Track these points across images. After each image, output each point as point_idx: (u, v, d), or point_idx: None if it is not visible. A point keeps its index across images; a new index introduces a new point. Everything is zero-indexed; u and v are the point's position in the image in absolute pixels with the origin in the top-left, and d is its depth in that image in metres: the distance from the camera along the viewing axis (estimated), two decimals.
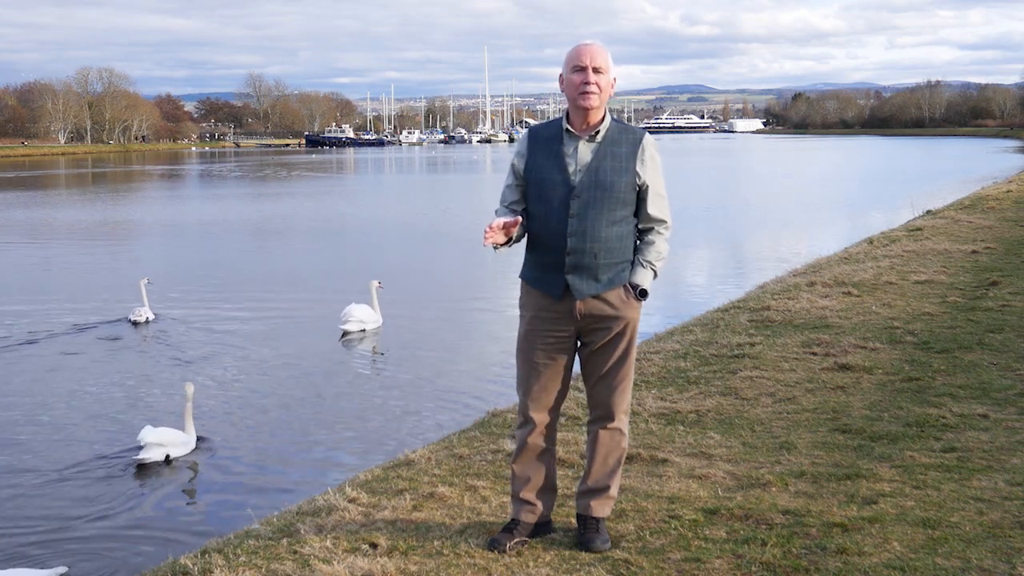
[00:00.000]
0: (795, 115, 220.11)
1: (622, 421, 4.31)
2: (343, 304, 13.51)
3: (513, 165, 4.24)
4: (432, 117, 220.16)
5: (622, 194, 4.09)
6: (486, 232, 3.96)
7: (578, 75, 4.05)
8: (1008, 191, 26.64)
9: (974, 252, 14.25)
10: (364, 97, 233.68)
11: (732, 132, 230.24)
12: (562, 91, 4.17)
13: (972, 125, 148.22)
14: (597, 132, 4.12)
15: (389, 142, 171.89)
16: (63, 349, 12.47)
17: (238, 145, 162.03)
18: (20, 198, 45.13)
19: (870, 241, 16.80)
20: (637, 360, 8.19)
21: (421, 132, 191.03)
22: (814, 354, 8.08)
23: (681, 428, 6.21)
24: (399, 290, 15.60)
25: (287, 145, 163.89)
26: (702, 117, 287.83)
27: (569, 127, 4.13)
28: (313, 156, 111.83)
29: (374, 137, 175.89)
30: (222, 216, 33.20)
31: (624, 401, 4.30)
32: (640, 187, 4.15)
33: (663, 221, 4.23)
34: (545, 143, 4.17)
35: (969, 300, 10.30)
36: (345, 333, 13.10)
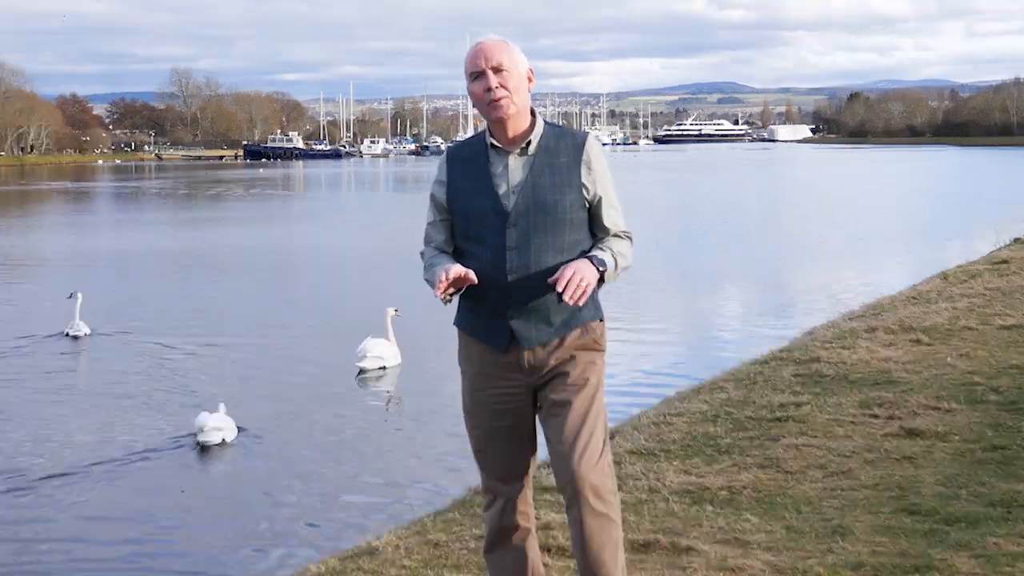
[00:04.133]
0: (851, 120, 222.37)
1: (608, 503, 4.06)
2: (359, 338, 13.77)
3: (433, 196, 4.18)
4: (401, 123, 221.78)
5: (569, 214, 4.03)
6: (438, 285, 3.88)
7: (478, 84, 4.01)
8: None
9: None
10: (316, 98, 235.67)
11: (773, 140, 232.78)
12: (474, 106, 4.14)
13: None
14: (529, 143, 4.05)
15: (348, 153, 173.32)
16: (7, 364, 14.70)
17: (160, 157, 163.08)
18: None
19: (944, 276, 16.91)
20: (655, 425, 8.24)
21: (387, 141, 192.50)
22: (875, 416, 8.12)
23: (710, 509, 6.23)
24: (414, 322, 15.02)
25: (221, 158, 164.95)
26: (736, 122, 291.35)
27: (494, 141, 4.08)
28: (260, 171, 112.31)
29: (329, 148, 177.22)
30: (152, 245, 33.34)
31: (606, 477, 4.08)
32: (591, 201, 4.09)
33: (624, 231, 4.18)
34: (468, 165, 4.12)
35: None
36: (361, 371, 13.40)
